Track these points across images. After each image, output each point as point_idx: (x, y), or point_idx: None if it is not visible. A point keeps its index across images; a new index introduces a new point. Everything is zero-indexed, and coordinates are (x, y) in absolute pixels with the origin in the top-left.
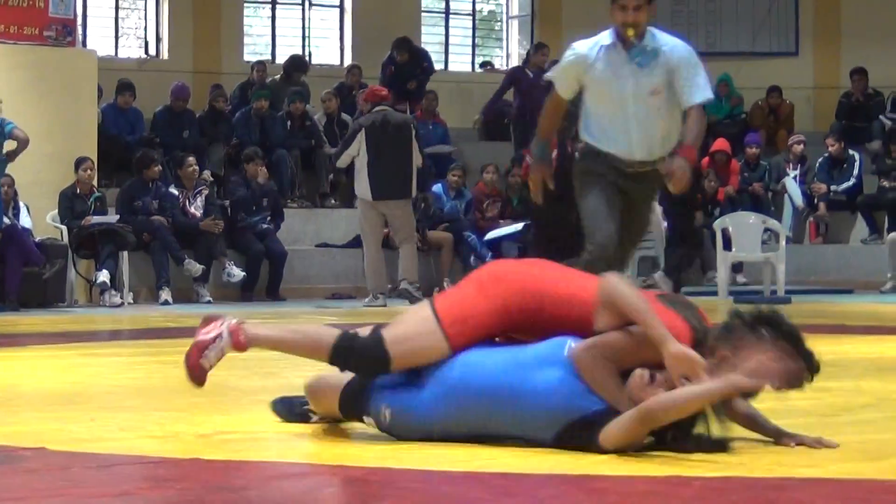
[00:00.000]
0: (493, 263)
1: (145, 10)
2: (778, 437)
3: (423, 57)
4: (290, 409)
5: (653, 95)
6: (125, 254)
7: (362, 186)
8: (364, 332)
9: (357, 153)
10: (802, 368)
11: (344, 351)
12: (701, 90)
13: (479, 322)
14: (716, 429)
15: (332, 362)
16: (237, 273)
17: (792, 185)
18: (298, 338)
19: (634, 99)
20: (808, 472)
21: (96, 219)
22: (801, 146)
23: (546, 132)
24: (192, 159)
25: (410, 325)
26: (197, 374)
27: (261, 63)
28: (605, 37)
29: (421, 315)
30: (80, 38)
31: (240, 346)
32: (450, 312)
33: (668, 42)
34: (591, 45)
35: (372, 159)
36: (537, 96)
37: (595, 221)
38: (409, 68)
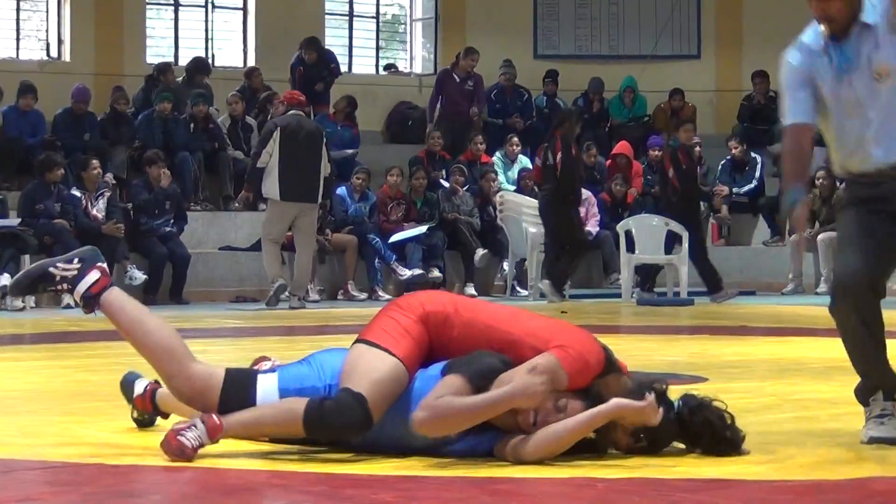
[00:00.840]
0: (411, 294)
1: (47, 11)
2: None
3: (330, 59)
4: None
5: (879, 80)
6: (27, 257)
7: (271, 186)
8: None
9: (272, 152)
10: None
11: (318, 420)
12: None
13: (420, 342)
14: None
15: (309, 433)
16: (138, 276)
17: None
18: (269, 416)
19: (858, 91)
20: (712, 473)
21: None
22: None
23: (793, 175)
24: (95, 162)
25: (377, 374)
26: (176, 449)
27: (167, 65)
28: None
29: (380, 361)
30: None
31: (215, 428)
32: (399, 345)
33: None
34: (802, 45)
35: (283, 161)
36: (461, 101)
37: (840, 256)
38: (316, 69)
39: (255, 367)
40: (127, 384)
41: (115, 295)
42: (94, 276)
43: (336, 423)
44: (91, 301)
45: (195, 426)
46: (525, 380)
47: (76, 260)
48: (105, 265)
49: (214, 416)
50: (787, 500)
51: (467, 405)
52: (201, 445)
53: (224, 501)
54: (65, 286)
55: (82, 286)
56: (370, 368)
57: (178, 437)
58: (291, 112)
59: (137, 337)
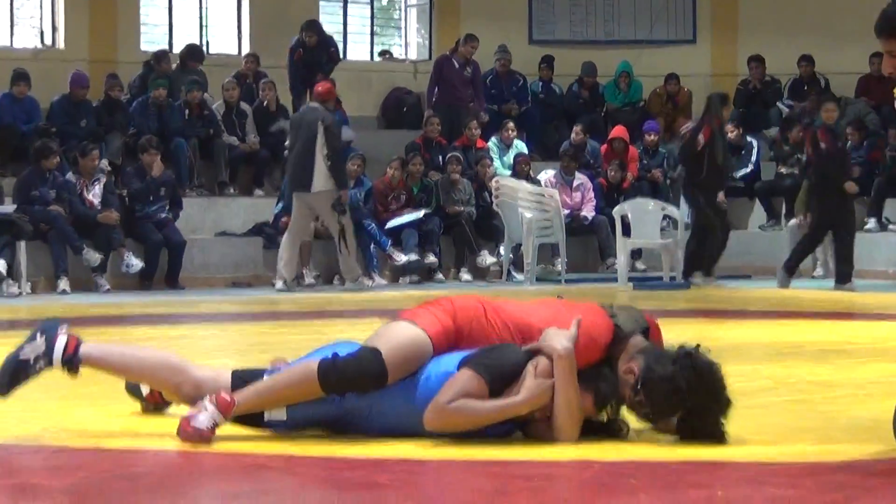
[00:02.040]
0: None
1: None
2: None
3: (330, 43)
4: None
5: None
6: (22, 244)
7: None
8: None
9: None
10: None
11: (332, 369)
12: None
13: (447, 330)
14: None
15: (326, 389)
16: (136, 264)
17: None
18: (283, 379)
19: None
20: (708, 455)
21: None
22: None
23: None
24: (95, 152)
25: (399, 337)
26: (194, 435)
27: (164, 52)
28: None
29: (405, 329)
30: None
31: (226, 404)
32: (427, 323)
33: None
34: None
35: (289, 154)
36: (460, 87)
37: None
38: (316, 53)
39: (270, 367)
40: (132, 386)
41: (91, 345)
42: (62, 340)
43: (349, 370)
44: (72, 361)
45: (205, 408)
46: (532, 385)
47: (38, 335)
48: (67, 325)
49: (224, 393)
50: (782, 482)
51: (477, 412)
52: (216, 425)
53: (221, 484)
54: (42, 363)
55: (57, 354)
56: (393, 334)
57: (192, 424)
58: (308, 105)
59: (133, 367)
